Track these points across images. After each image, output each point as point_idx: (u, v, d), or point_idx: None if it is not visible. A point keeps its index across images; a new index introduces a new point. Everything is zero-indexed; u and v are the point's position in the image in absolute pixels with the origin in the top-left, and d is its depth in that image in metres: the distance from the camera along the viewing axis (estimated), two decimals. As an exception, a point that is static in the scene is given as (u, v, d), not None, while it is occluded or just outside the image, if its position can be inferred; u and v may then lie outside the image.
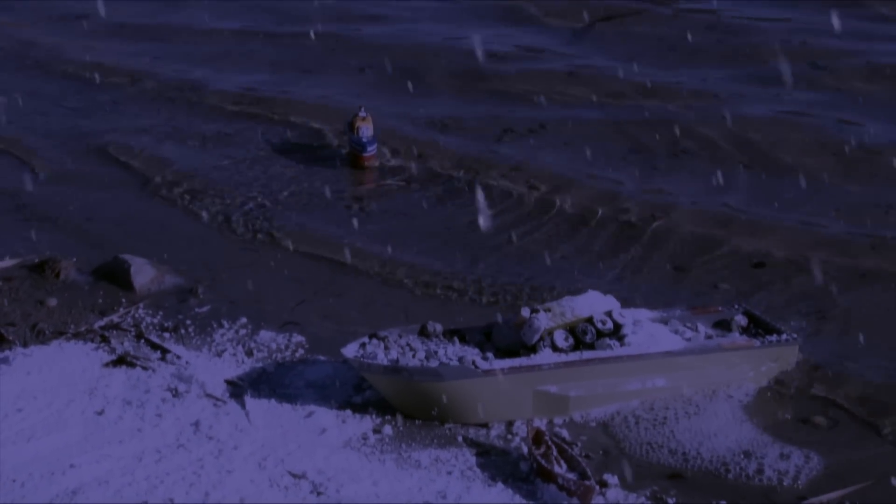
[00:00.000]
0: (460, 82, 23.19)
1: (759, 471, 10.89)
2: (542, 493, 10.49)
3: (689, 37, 24.66)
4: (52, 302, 14.52)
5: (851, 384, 12.53)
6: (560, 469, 10.67)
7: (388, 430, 11.61)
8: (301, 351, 13.30)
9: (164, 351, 13.09)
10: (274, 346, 13.39)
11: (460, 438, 11.53)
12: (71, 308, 14.39)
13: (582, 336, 12.08)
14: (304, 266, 15.93)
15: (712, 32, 25.45)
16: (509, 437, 11.59)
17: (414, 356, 11.94)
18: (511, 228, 16.71)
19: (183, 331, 13.77)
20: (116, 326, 13.83)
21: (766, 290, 14.77)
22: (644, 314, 12.74)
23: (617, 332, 12.15)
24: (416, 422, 11.77)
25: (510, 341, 12.21)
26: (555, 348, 11.98)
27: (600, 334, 12.12)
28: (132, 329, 13.76)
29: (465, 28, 26.02)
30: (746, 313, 13.06)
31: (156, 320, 14.06)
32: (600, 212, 16.97)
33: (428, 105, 21.89)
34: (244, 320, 13.97)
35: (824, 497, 10.58)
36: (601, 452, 11.38)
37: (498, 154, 19.45)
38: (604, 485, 10.65)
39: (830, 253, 15.63)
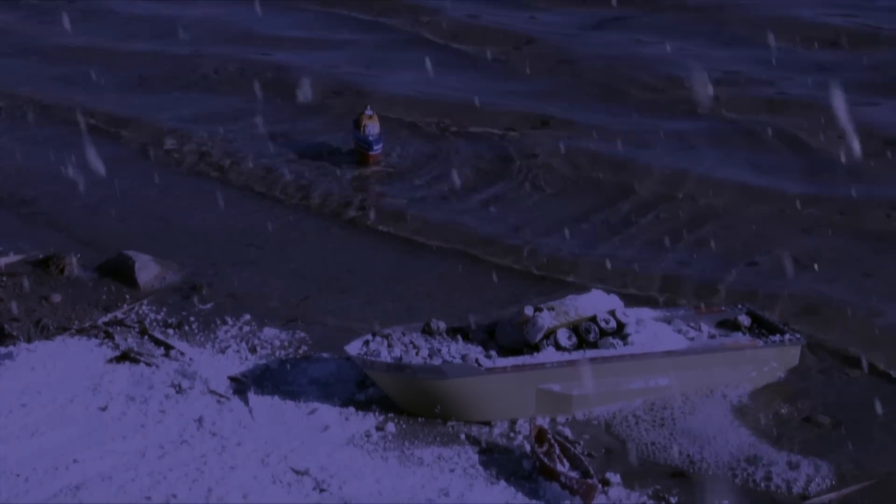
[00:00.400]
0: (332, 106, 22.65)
1: (767, 478, 10.85)
2: (545, 491, 10.49)
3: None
4: (56, 298, 14.54)
5: (855, 382, 12.59)
6: (563, 467, 10.68)
7: (390, 427, 11.62)
8: (304, 348, 13.31)
9: (168, 347, 13.11)
10: (277, 342, 13.40)
11: (463, 436, 11.54)
12: (75, 304, 14.40)
13: (585, 335, 12.08)
14: (307, 263, 15.96)
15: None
16: (512, 435, 11.60)
17: (417, 354, 11.95)
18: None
19: (186, 327, 13.78)
20: (120, 323, 13.85)
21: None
22: (647, 313, 12.74)
23: (620, 331, 12.15)
24: (419, 419, 11.78)
25: (513, 339, 12.21)
26: (558, 347, 11.99)
27: (603, 333, 12.12)
28: (136, 325, 13.76)
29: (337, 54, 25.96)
30: (750, 313, 13.05)
31: (159, 317, 14.07)
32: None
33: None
34: (248, 317, 13.98)
35: (826, 497, 10.59)
36: (604, 451, 11.38)
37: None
38: (606, 483, 10.65)
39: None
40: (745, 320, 12.89)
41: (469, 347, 12.18)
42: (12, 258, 15.63)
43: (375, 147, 19.51)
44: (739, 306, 13.28)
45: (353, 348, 11.99)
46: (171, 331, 13.67)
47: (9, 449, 10.92)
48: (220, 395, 12.08)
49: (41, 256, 15.62)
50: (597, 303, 12.37)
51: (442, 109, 21.88)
